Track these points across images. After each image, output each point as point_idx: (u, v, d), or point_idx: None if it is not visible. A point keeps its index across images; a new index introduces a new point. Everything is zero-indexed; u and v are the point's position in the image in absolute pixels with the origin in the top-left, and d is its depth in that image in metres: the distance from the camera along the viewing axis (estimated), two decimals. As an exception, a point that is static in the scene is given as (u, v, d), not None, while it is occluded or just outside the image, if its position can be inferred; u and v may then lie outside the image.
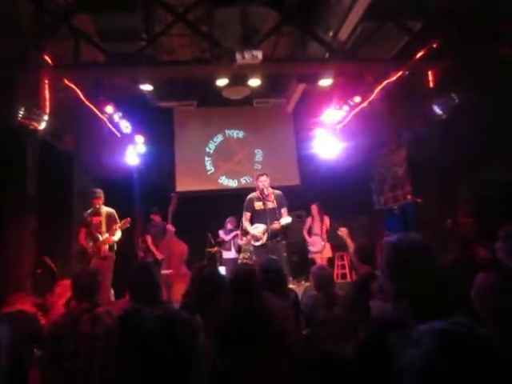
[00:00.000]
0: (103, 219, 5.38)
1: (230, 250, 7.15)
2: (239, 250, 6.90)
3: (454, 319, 0.74)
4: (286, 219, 4.93)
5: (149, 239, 6.59)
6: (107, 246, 5.34)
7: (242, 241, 6.74)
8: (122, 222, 5.40)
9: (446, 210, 5.22)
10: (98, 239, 5.31)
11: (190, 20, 4.79)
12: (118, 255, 5.55)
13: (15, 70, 4.35)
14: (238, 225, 6.71)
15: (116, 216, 5.49)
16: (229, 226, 7.16)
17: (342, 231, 4.87)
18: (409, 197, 6.05)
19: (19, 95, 4.34)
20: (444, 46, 4.88)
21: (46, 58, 4.58)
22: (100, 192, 5.46)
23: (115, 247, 5.48)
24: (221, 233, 7.27)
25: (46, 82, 4.74)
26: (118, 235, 5.41)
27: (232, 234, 7.11)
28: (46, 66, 4.60)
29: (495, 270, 1.67)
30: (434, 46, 4.98)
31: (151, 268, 2.83)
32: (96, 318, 2.40)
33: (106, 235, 5.32)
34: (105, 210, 5.45)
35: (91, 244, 5.32)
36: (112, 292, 5.43)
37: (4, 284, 3.99)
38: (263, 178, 4.99)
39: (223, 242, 7.23)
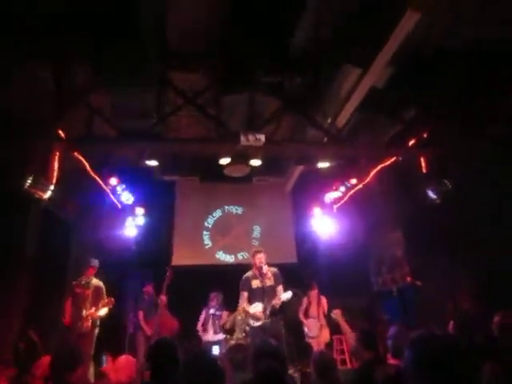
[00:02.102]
0: (91, 292, 5.26)
1: (206, 331, 6.44)
2: (229, 329, 6.35)
3: None
4: (286, 294, 4.81)
5: (140, 315, 6.33)
6: (90, 322, 5.13)
7: (225, 321, 6.16)
8: (107, 300, 5.28)
9: (445, 293, 5.14)
10: (81, 313, 5.10)
11: (199, 103, 5.16)
12: (103, 328, 5.31)
13: (29, 141, 4.57)
14: (222, 302, 6.46)
15: (104, 291, 5.39)
16: (211, 304, 6.55)
17: (336, 313, 4.73)
18: (408, 279, 5.99)
19: (30, 164, 4.50)
20: (434, 135, 5.21)
21: (60, 131, 4.85)
22: (96, 263, 5.40)
23: (98, 323, 5.28)
24: (203, 312, 6.62)
25: (57, 153, 4.95)
26: (103, 311, 5.26)
27: (203, 314, 6.49)
28: (58, 139, 4.83)
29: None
30: (425, 135, 5.33)
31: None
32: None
33: (92, 310, 5.16)
34: (94, 282, 5.36)
35: (74, 319, 5.11)
36: (91, 368, 5.09)
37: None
38: (260, 256, 4.98)
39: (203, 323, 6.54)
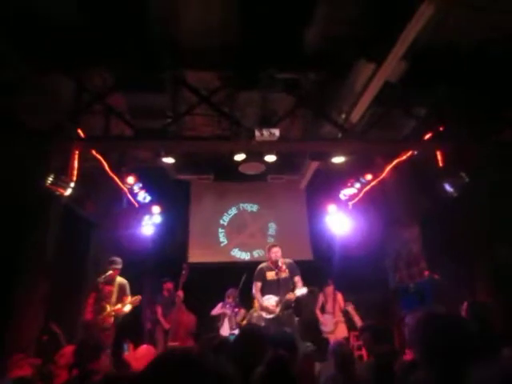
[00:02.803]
0: (115, 289, 5.37)
1: (222, 326, 6.46)
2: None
3: None
4: (300, 290, 4.81)
5: (159, 310, 6.46)
6: (113, 319, 5.25)
7: (238, 317, 6.26)
8: (134, 298, 5.39)
9: (463, 289, 5.08)
10: (105, 309, 5.22)
11: (214, 102, 5.23)
12: (120, 326, 5.42)
13: (50, 140, 4.71)
14: (237, 299, 6.47)
15: (128, 288, 5.48)
16: (229, 300, 6.58)
17: (348, 306, 4.69)
18: (426, 273, 5.93)
19: (51, 162, 4.64)
20: (449, 129, 5.16)
21: (79, 130, 4.99)
22: (120, 262, 5.48)
23: (120, 319, 5.37)
24: (219, 306, 6.72)
25: (76, 152, 5.09)
26: (128, 308, 5.36)
27: (219, 309, 6.53)
28: (77, 138, 4.98)
29: None
30: (440, 129, 5.29)
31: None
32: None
33: (118, 306, 5.27)
34: (118, 279, 5.46)
35: (96, 314, 5.22)
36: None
37: (8, 347, 3.89)
38: (276, 249, 5.00)
39: (216, 316, 6.64)
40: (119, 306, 5.27)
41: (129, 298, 5.38)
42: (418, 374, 1.50)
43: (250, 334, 2.54)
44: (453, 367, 1.19)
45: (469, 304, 2.94)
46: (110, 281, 5.37)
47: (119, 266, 5.43)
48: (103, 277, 5.32)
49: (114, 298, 5.31)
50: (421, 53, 4.58)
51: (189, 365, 0.87)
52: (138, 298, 5.38)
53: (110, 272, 5.32)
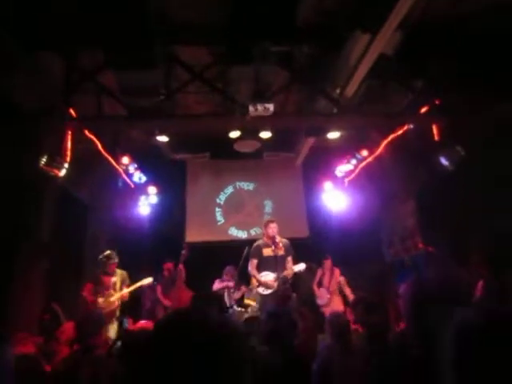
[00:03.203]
0: (117, 279, 5.52)
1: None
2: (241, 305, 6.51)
3: None
4: (299, 266, 4.88)
5: (158, 289, 6.53)
6: (117, 302, 5.43)
7: (238, 293, 6.37)
8: (144, 280, 5.64)
9: (458, 261, 5.15)
10: (110, 295, 5.37)
11: (206, 78, 5.14)
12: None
13: (42, 120, 4.64)
14: (235, 276, 6.50)
15: (127, 279, 5.64)
16: (225, 277, 6.70)
17: (341, 280, 4.68)
18: (420, 245, 6.00)
19: (43, 143, 4.59)
20: (445, 102, 5.12)
21: (71, 110, 4.91)
22: (116, 256, 5.56)
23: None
24: (216, 282, 6.78)
25: (69, 132, 5.03)
26: (133, 287, 5.61)
27: (222, 284, 6.60)
28: (70, 118, 4.90)
29: None
30: (437, 102, 5.25)
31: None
32: (97, 361, 2.37)
33: (125, 290, 5.45)
34: (118, 271, 5.59)
35: (100, 300, 5.35)
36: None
37: (11, 328, 3.94)
38: (273, 225, 5.02)
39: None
40: (124, 291, 5.46)
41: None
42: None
43: None
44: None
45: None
46: (111, 273, 5.50)
47: (116, 260, 5.55)
48: (102, 269, 5.45)
49: (117, 286, 5.48)
50: (416, 24, 4.51)
51: (202, 318, 0.87)
52: (149, 279, 5.61)
53: (110, 264, 5.46)
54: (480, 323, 0.77)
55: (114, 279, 5.48)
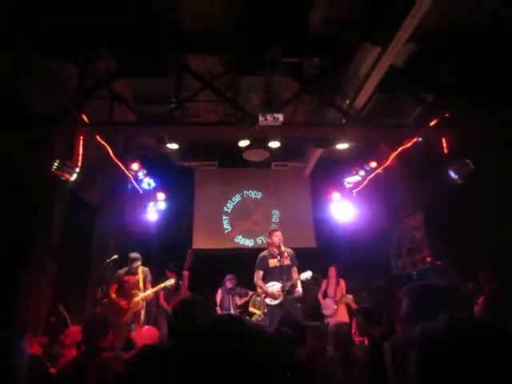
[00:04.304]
0: (140, 277, 5.59)
1: (228, 309, 6.75)
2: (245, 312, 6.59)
3: None
4: (306, 273, 4.86)
5: (161, 296, 6.52)
6: (142, 303, 5.53)
7: (240, 300, 6.67)
8: (167, 281, 5.77)
9: (466, 275, 5.09)
10: (135, 295, 5.46)
11: (217, 87, 5.20)
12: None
13: (54, 125, 4.73)
14: (237, 283, 6.73)
15: (149, 275, 5.73)
16: (228, 285, 6.87)
17: (348, 298, 4.67)
18: (428, 259, 5.94)
19: (55, 148, 4.67)
20: (456, 115, 5.10)
21: (83, 116, 5.00)
22: (140, 258, 5.68)
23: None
24: (219, 292, 6.96)
25: (81, 137, 5.12)
26: (158, 287, 5.76)
27: (219, 296, 6.86)
28: (81, 124, 4.99)
29: None
30: (447, 115, 5.24)
31: None
32: (103, 364, 2.37)
33: (149, 291, 5.55)
34: (141, 268, 5.66)
35: (125, 301, 5.45)
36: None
37: (18, 328, 3.97)
38: (278, 233, 5.01)
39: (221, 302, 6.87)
40: (149, 291, 5.56)
41: (150, 287, 5.67)
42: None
43: None
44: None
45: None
46: (135, 272, 5.59)
47: (140, 262, 5.67)
48: (124, 270, 5.54)
49: (141, 285, 5.56)
50: (427, 36, 4.52)
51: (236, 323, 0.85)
52: (172, 281, 5.73)
53: (135, 265, 5.58)
54: (442, 335, 0.77)
55: (138, 278, 5.58)
